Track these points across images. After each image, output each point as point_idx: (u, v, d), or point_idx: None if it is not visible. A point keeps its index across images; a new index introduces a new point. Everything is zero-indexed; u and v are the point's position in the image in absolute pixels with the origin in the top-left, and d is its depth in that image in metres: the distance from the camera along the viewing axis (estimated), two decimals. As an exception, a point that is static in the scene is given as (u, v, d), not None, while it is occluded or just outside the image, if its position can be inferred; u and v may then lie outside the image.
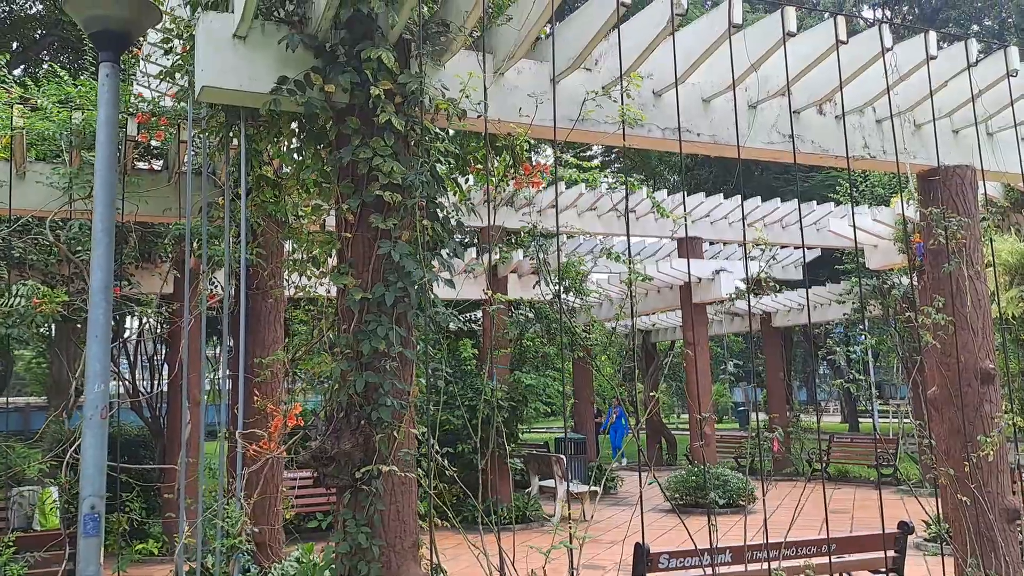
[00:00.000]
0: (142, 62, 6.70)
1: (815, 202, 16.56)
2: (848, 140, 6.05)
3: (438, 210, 5.22)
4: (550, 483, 15.10)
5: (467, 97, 5.08)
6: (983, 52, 6.31)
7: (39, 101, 6.50)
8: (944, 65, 6.12)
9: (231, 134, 5.41)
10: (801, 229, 5.98)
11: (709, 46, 5.44)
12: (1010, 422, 6.30)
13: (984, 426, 6.39)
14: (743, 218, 7.11)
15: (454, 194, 6.32)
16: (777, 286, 20.50)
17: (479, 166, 6.41)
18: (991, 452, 6.28)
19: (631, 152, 26.48)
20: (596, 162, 29.86)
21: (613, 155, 30.88)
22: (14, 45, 16.03)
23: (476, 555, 5.01)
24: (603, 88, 5.76)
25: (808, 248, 19.20)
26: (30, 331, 6.38)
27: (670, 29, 5.19)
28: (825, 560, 5.94)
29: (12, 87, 6.65)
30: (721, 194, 16.57)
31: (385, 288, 4.85)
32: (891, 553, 6.39)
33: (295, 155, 5.58)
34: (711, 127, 6.09)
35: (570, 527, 4.94)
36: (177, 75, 5.47)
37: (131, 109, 6.55)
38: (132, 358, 15.09)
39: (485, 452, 15.13)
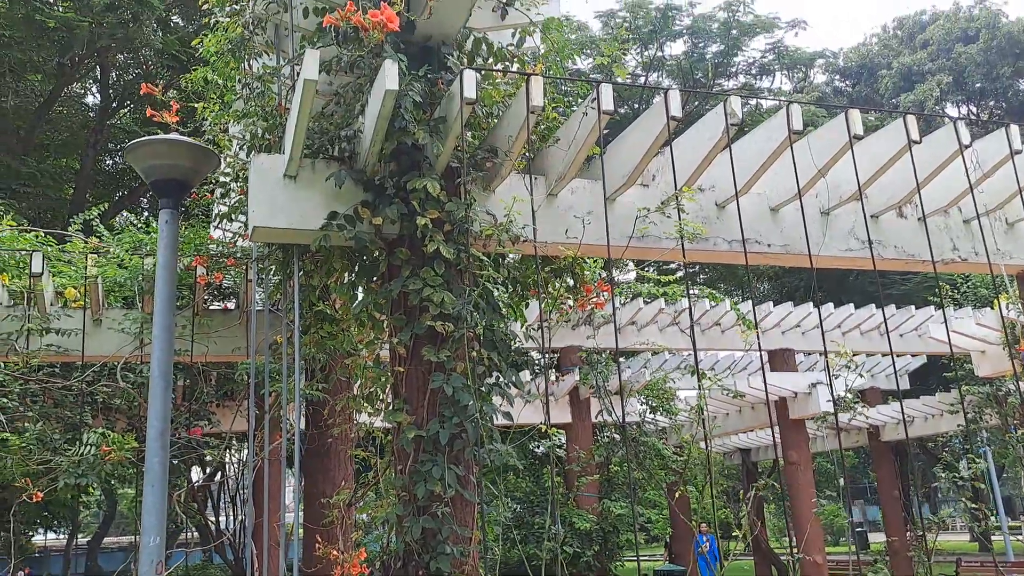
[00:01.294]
0: (216, 205, 6.90)
1: (914, 307, 15.74)
2: (935, 243, 5.65)
3: (495, 338, 5.03)
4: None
5: (513, 221, 4.95)
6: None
7: (113, 250, 6.73)
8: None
9: (288, 271, 5.41)
10: (888, 337, 5.50)
11: (769, 156, 5.22)
12: None
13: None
14: (820, 326, 6.63)
15: (515, 320, 6.15)
16: (883, 398, 19.37)
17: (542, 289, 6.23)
18: None
19: (716, 263, 26.02)
20: (679, 275, 29.41)
21: (697, 267, 30.44)
22: (117, 195, 17.14)
23: None
24: (661, 203, 5.57)
25: (913, 356, 18.15)
26: (99, 480, 6.37)
27: (725, 141, 5.01)
28: None
29: (90, 239, 6.94)
30: (810, 303, 15.93)
31: (440, 425, 4.62)
32: None
33: (350, 289, 5.53)
34: (782, 237, 5.79)
35: None
36: (235, 216, 5.55)
37: (201, 251, 6.70)
38: (215, 499, 15.13)
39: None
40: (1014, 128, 5.36)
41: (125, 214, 7.69)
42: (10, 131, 15.34)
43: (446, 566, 4.40)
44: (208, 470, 18.81)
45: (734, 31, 26.52)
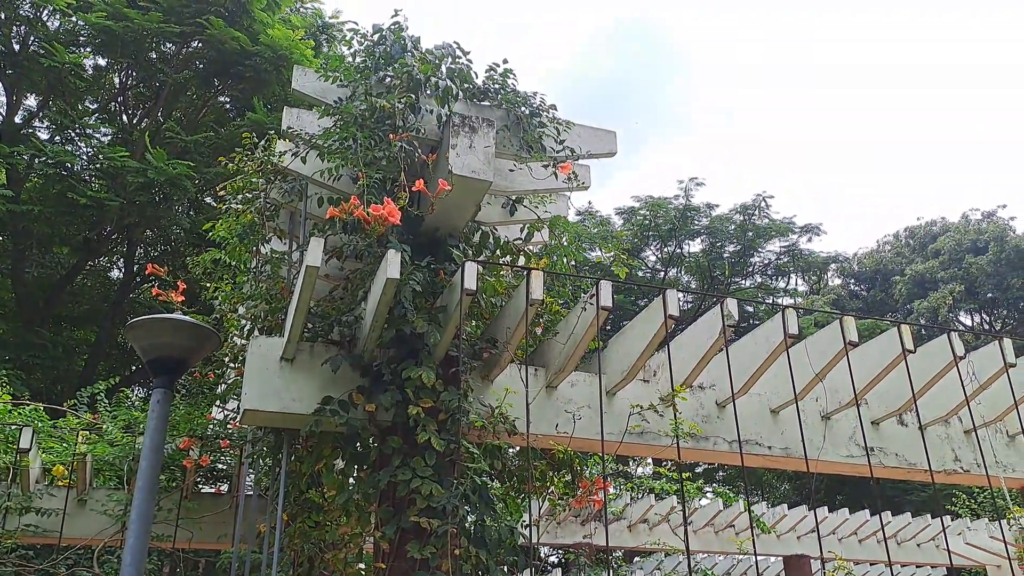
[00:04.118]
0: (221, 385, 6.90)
1: (929, 515, 15.19)
2: (937, 452, 5.55)
3: (486, 535, 4.86)
4: None
5: (508, 413, 4.91)
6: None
7: (106, 426, 6.69)
8: (1030, 370, 5.70)
9: (278, 457, 5.33)
10: (886, 544, 5.28)
11: (766, 358, 5.23)
12: None
13: None
14: (816, 530, 6.37)
15: (511, 515, 5.97)
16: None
17: (538, 482, 6.08)
18: None
19: (717, 463, 25.44)
20: (699, 469, 28.81)
21: (717, 465, 29.74)
22: (127, 371, 17.21)
23: None
24: (661, 399, 5.54)
25: (932, 567, 17.32)
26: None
27: (723, 341, 5.05)
28: None
29: (84, 414, 6.90)
30: (825, 507, 15.45)
31: (420, 632, 4.39)
32: None
33: (340, 477, 5.42)
34: (783, 440, 5.71)
35: None
36: (230, 397, 5.55)
37: (195, 432, 6.63)
38: None
39: None
40: (1007, 341, 5.39)
41: (123, 390, 7.68)
42: (30, 302, 15.67)
43: None
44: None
45: (750, 233, 27.43)
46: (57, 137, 14.63)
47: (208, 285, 6.09)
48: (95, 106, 16.31)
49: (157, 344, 4.87)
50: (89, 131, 14.93)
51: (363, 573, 5.02)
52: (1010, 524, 5.96)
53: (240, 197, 5.51)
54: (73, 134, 14.65)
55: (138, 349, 4.92)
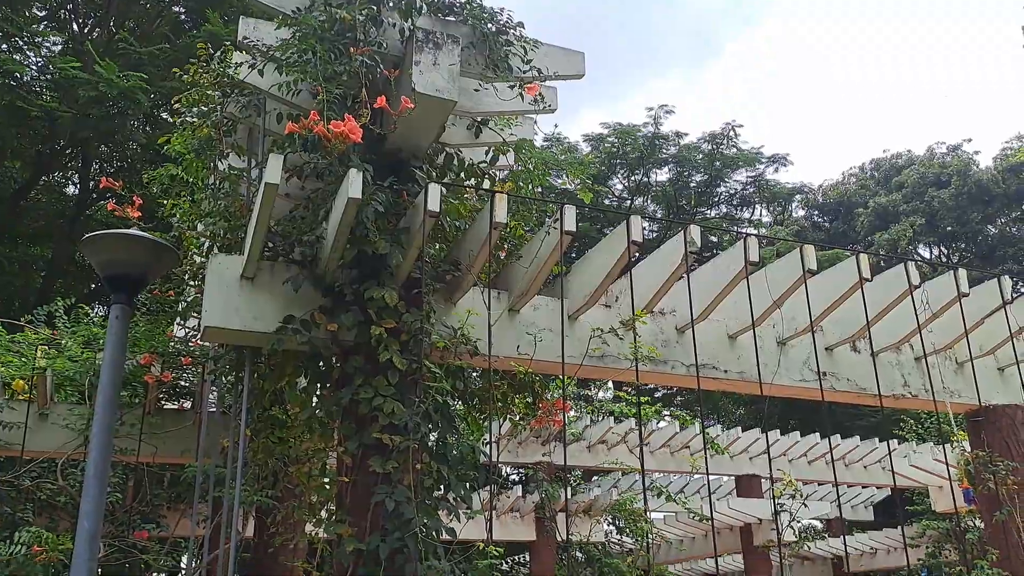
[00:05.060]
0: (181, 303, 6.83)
1: (877, 439, 15.76)
2: (887, 378, 5.71)
3: (448, 451, 4.95)
4: None
5: (470, 334, 4.94)
6: (1023, 288, 6.04)
7: (65, 342, 6.62)
8: (984, 302, 5.85)
9: (240, 374, 5.33)
10: (833, 467, 5.47)
11: (727, 284, 5.30)
12: None
13: None
14: (767, 453, 6.58)
15: (473, 435, 6.07)
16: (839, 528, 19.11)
17: (500, 404, 6.18)
18: None
19: (674, 386, 26.00)
20: (658, 394, 29.44)
21: (676, 390, 30.39)
22: (86, 289, 16.95)
23: None
24: (622, 323, 5.60)
25: (878, 487, 18.03)
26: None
27: (684, 267, 5.09)
28: None
29: (42, 329, 6.82)
30: (777, 430, 15.93)
31: (381, 539, 4.48)
32: None
33: (304, 395, 5.45)
34: (739, 364, 5.83)
35: None
36: (191, 315, 5.51)
37: (157, 350, 6.60)
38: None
39: None
40: (962, 272, 5.50)
41: (82, 306, 7.55)
42: (-19, 217, 15.29)
43: None
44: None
45: (717, 163, 27.47)
46: (5, 45, 14.03)
47: (165, 202, 5.97)
48: (44, 13, 15.64)
49: (114, 260, 4.79)
50: (39, 39, 14.34)
51: (327, 487, 5.09)
52: (953, 447, 6.19)
53: (196, 111, 5.34)
54: (21, 42, 14.06)
55: (95, 265, 4.85)
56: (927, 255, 31.02)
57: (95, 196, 16.53)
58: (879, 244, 27.36)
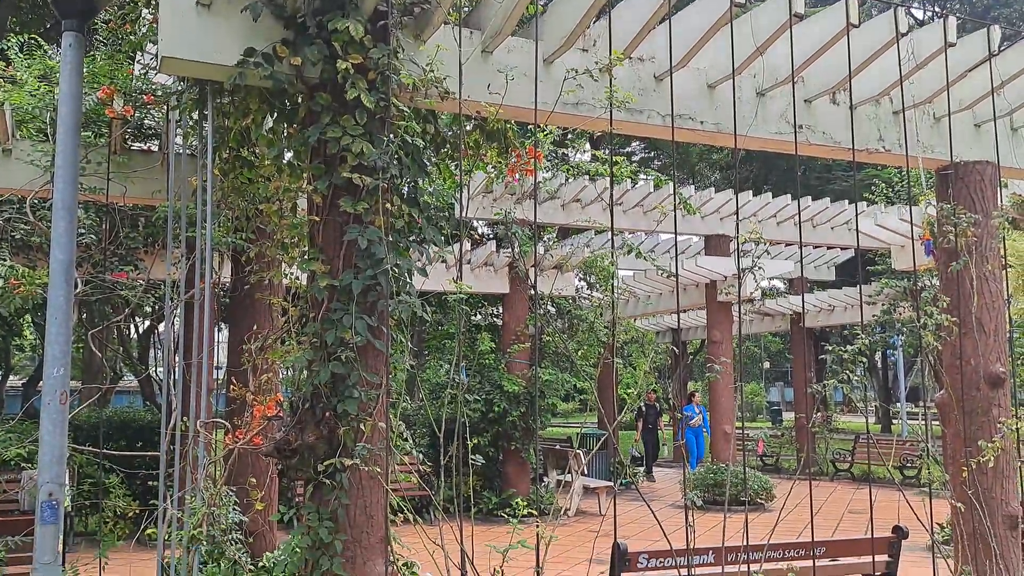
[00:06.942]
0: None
1: (847, 201, 16.03)
2: (863, 132, 5.65)
3: (418, 195, 4.96)
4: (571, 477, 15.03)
5: (435, 74, 4.77)
6: (1009, 41, 5.86)
7: (19, 75, 6.34)
8: (967, 54, 5.68)
9: (203, 111, 5.18)
10: (799, 227, 5.59)
11: (709, 28, 5.08)
12: (1013, 428, 5.90)
13: (991, 431, 6.03)
14: (736, 213, 6.70)
15: (442, 180, 6.05)
16: (806, 286, 19.97)
17: (471, 151, 6.11)
18: (992, 458, 5.91)
19: (668, 145, 25.92)
20: (636, 158, 29.38)
21: (653, 152, 30.36)
22: (42, 28, 16.09)
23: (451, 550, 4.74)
24: (599, 68, 5.42)
25: (842, 249, 18.61)
26: (8, 313, 6.20)
27: (666, 8, 4.85)
28: (817, 563, 5.64)
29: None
30: (750, 191, 16.12)
31: (354, 276, 4.59)
32: (885, 557, 6.09)
33: (272, 135, 5.34)
34: (716, 115, 5.73)
35: (537, 525, 4.65)
36: (145, 46, 5.25)
37: (120, 86, 6.35)
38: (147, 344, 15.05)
39: (501, 446, 14.88)
40: (951, 19, 5.29)
41: (35, 37, 7.13)
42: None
43: (353, 408, 4.48)
44: (147, 320, 18.64)
45: None
46: None
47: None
48: None
49: (61, -18, 4.49)
50: None
51: (297, 226, 5.13)
52: (924, 208, 6.30)
53: None
54: None
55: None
56: (920, 16, 29.92)
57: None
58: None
